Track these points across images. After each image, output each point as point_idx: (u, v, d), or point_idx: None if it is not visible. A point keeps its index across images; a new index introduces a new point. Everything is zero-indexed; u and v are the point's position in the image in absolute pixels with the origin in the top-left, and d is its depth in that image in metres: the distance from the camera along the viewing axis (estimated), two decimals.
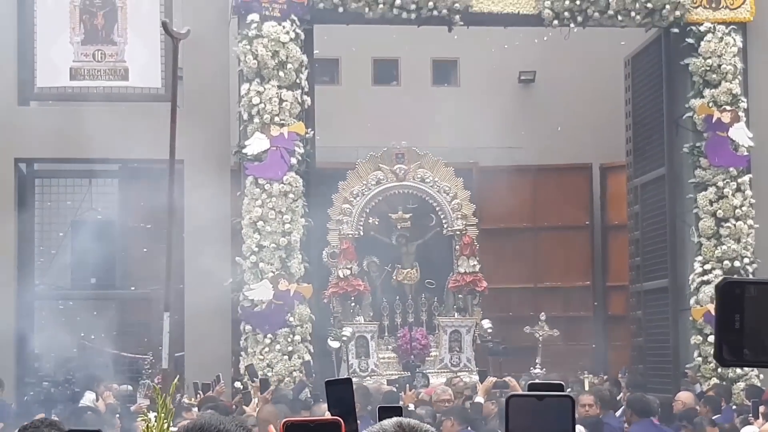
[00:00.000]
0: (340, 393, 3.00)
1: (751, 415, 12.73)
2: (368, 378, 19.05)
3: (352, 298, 20.21)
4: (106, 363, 18.52)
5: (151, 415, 4.57)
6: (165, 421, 4.45)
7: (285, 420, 2.05)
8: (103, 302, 20.42)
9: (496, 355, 19.42)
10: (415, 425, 3.04)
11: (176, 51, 14.55)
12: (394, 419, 3.03)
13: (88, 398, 15.14)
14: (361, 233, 20.67)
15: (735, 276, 16.57)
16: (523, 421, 1.91)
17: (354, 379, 17.13)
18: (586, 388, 15.47)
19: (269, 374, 17.39)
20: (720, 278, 1.84)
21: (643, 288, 21.09)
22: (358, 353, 19.87)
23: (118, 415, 13.35)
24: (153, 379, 16.08)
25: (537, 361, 19.47)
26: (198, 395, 15.16)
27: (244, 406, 13.72)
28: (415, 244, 21.08)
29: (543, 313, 20.64)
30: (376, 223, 20.90)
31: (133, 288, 19.92)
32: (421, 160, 20.86)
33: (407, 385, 15.65)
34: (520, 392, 1.93)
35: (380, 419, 3.18)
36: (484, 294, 20.98)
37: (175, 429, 4.05)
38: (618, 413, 13.97)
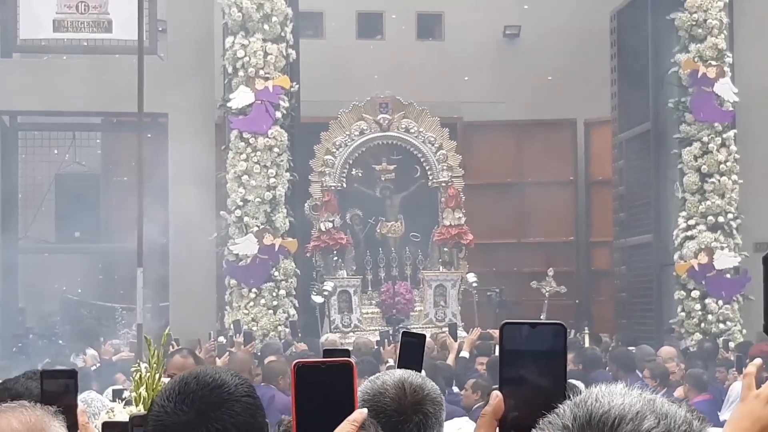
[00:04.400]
0: (414, 346, 3.11)
1: (734, 368, 12.73)
2: (351, 333, 18.84)
3: (335, 252, 19.99)
4: (90, 316, 18.52)
5: (142, 366, 4.56)
6: (156, 372, 4.45)
7: (296, 361, 2.04)
8: (87, 256, 20.39)
9: (495, 306, 19.17)
10: (417, 385, 2.98)
11: (141, 3, 14.46)
12: (397, 376, 2.98)
13: (89, 353, 15.17)
14: (344, 185, 20.30)
15: None
16: (517, 345, 1.94)
17: (337, 335, 16.98)
18: (587, 344, 15.40)
19: (254, 329, 17.40)
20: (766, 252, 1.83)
21: (627, 243, 21.16)
22: (341, 308, 19.59)
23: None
24: (129, 329, 16.10)
25: (542, 317, 19.13)
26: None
27: (216, 358, 13.56)
28: (400, 196, 20.72)
29: (551, 269, 20.35)
30: (360, 174, 20.58)
31: (116, 238, 19.88)
32: (406, 110, 20.52)
33: (385, 340, 15.39)
34: (515, 320, 1.95)
35: (402, 344, 3.15)
36: (470, 247, 20.84)
37: (168, 379, 4.04)
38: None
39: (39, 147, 20.39)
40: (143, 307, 14.44)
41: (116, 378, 12.20)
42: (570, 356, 12.79)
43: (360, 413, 2.01)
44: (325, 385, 2.04)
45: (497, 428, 1.90)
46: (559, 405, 1.75)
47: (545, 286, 19.99)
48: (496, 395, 1.90)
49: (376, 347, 15.57)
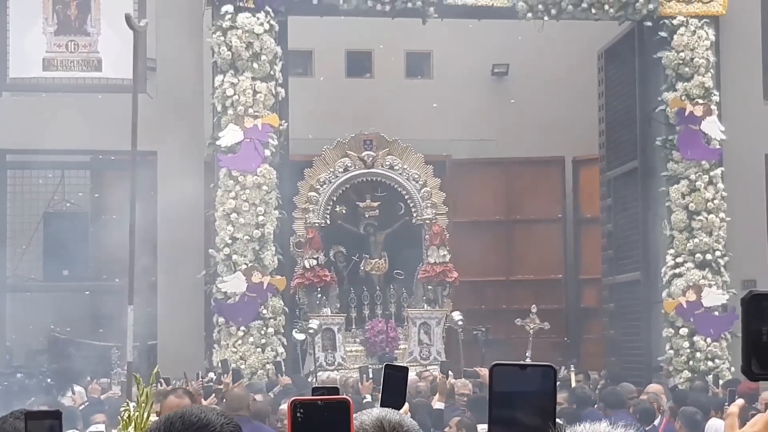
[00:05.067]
0: (397, 379, 3.10)
1: (726, 404, 12.71)
2: (335, 371, 18.72)
3: (319, 289, 19.94)
4: (79, 354, 18.46)
5: (131, 405, 4.57)
6: (145, 410, 4.46)
7: (293, 398, 2.03)
8: (75, 294, 20.35)
9: (481, 345, 19.05)
10: (396, 422, 2.99)
11: (137, 43, 14.54)
12: (375, 415, 2.98)
13: (77, 391, 15.11)
14: (328, 222, 20.28)
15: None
16: (507, 386, 1.96)
17: (333, 373, 16.82)
18: (573, 383, 15.33)
19: (242, 367, 17.34)
20: (746, 292, 1.84)
21: (615, 281, 21.18)
22: (325, 346, 19.48)
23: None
24: (122, 367, 16.05)
25: (527, 354, 19.00)
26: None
27: (202, 399, 13.43)
28: (384, 233, 20.69)
29: (534, 306, 20.21)
30: (344, 211, 20.53)
31: (104, 277, 19.87)
32: (390, 146, 20.52)
33: (363, 376, 15.17)
34: (505, 361, 1.97)
35: (385, 377, 3.15)
36: (455, 285, 20.80)
37: (155, 419, 4.04)
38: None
39: (28, 185, 20.39)
40: (133, 346, 14.39)
41: (92, 419, 12.05)
42: (563, 395, 12.82)
43: None
44: (321, 422, 2.03)
45: None
46: None
47: (529, 323, 19.90)
48: None
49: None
